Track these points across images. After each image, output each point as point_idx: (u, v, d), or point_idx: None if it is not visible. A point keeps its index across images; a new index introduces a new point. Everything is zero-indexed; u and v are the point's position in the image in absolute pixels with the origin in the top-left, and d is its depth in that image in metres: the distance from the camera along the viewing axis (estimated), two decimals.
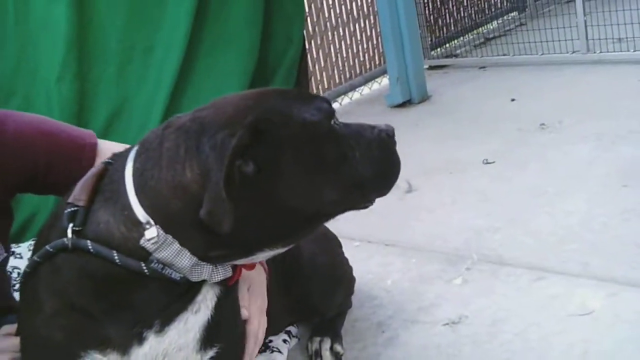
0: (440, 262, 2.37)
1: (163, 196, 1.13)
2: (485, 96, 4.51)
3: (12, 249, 2.36)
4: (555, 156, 3.17)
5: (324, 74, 5.08)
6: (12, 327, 1.58)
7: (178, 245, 1.13)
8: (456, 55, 5.83)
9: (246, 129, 1.09)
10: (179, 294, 1.19)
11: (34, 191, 1.62)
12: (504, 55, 5.35)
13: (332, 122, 1.23)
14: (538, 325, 1.92)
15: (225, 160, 1.05)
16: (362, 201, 1.30)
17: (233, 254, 1.19)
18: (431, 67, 5.66)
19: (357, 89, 5.27)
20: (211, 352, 1.27)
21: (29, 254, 2.35)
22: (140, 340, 1.18)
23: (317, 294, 1.89)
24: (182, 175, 1.11)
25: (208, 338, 1.25)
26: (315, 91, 4.94)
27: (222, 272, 1.20)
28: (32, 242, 2.48)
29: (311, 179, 1.17)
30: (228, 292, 1.29)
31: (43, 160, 1.52)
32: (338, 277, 1.97)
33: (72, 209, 1.18)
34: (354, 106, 5.01)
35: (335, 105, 5.04)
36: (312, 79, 4.89)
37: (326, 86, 5.07)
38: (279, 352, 1.92)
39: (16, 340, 1.37)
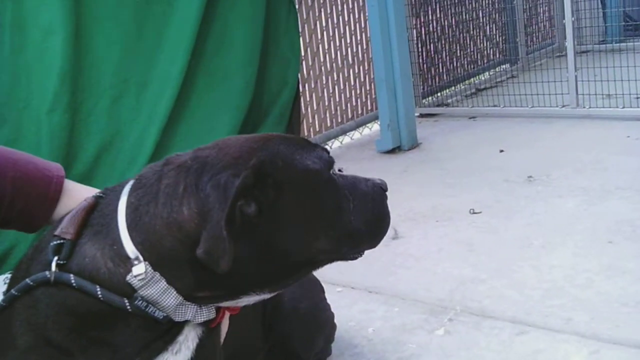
0: (423, 312, 2.35)
1: (157, 232, 1.12)
2: (474, 146, 4.55)
3: None
4: (542, 209, 3.18)
5: (316, 116, 5.12)
6: None
7: (165, 283, 1.11)
8: (447, 105, 5.90)
9: (251, 170, 1.10)
10: (161, 333, 1.17)
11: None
12: (495, 106, 5.43)
13: (331, 171, 1.25)
14: None
15: (228, 200, 1.06)
16: (353, 252, 1.31)
17: (220, 295, 1.18)
18: (422, 115, 5.71)
19: (348, 133, 5.30)
20: None
21: (4, 287, 2.33)
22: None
23: (297, 339, 1.86)
24: (178, 213, 1.11)
25: None
26: (306, 133, 4.97)
27: (206, 314, 1.18)
28: (8, 276, 2.44)
29: (308, 226, 1.19)
30: (210, 333, 1.26)
31: (9, 188, 1.48)
32: (320, 323, 1.94)
33: (58, 241, 1.17)
34: (344, 150, 5.04)
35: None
36: (304, 121, 4.92)
37: (317, 129, 5.10)
38: None
39: None
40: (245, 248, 1.12)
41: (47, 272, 1.14)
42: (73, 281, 1.12)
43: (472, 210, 3.29)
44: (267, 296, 1.24)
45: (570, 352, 1.98)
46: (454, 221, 3.21)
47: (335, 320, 2.18)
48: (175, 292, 1.12)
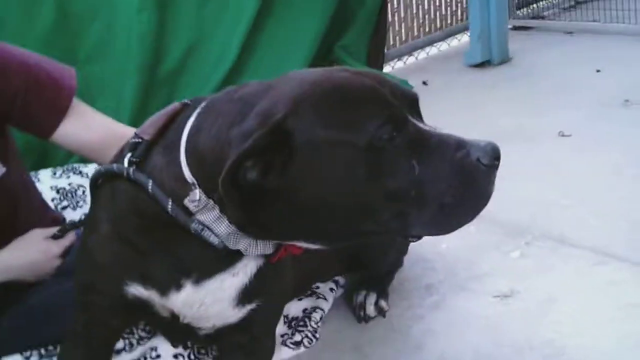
0: (500, 233, 2.31)
1: (206, 161, 1.10)
2: (568, 63, 4.30)
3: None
4: (638, 136, 3.00)
5: (402, 25, 4.94)
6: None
7: (217, 211, 1.10)
8: (543, 17, 5.55)
9: (268, 130, 1.01)
10: (221, 256, 1.16)
11: (13, 124, 1.65)
12: (595, 21, 5.04)
13: (384, 138, 1.03)
14: (593, 310, 1.86)
15: (235, 157, 1.00)
16: (403, 234, 1.13)
17: (268, 235, 1.14)
18: (515, 28, 5.41)
19: (435, 44, 5.11)
20: (249, 307, 1.26)
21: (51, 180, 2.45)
22: (178, 286, 1.19)
23: (370, 250, 1.88)
24: (222, 146, 1.07)
25: (245, 297, 1.24)
26: (392, 42, 4.82)
27: (262, 248, 1.15)
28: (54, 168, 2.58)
29: (331, 201, 1.04)
30: (271, 265, 1.24)
31: (22, 91, 1.54)
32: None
33: (136, 140, 1.19)
34: (430, 61, 4.87)
35: (410, 60, 4.93)
36: (390, 29, 4.76)
37: (404, 38, 4.93)
38: (324, 299, 1.94)
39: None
40: (267, 202, 1.05)
41: (127, 167, 1.16)
42: (150, 187, 1.13)
43: (561, 133, 3.15)
44: (326, 247, 1.16)
45: None
46: (540, 143, 3.09)
47: None
48: (227, 222, 1.10)
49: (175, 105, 1.24)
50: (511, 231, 2.32)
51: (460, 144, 1.05)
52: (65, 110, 1.59)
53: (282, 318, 1.88)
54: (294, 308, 1.91)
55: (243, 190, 1.03)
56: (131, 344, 1.75)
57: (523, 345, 1.75)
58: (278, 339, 1.80)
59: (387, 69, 4.70)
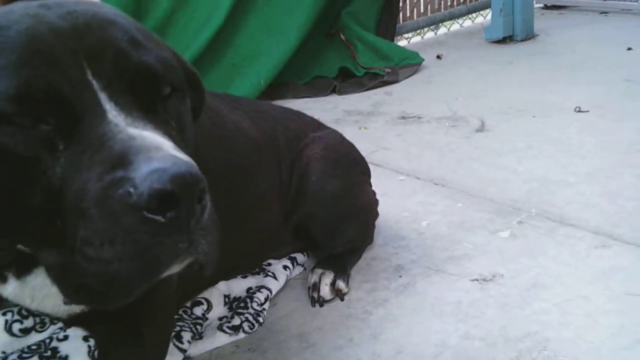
0: (490, 211, 2.03)
1: None
2: (598, 42, 3.98)
3: None
4: None
5: None
6: None
7: None
8: None
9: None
10: None
11: None
12: (634, 1, 4.71)
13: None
14: (586, 298, 1.57)
15: None
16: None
17: None
18: (547, 7, 5.13)
19: (457, 20, 4.79)
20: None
21: None
22: (3, 278, 0.97)
23: (321, 223, 1.63)
24: None
25: None
26: (408, 15, 4.54)
27: None
28: None
29: None
30: None
31: None
32: (351, 208, 1.69)
33: None
34: (449, 37, 4.57)
35: (429, 35, 4.63)
36: (407, 1, 4.48)
37: (422, 11, 4.63)
38: (274, 277, 1.69)
39: None
40: None
41: None
42: None
43: (577, 108, 2.84)
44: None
45: None
46: (553, 118, 2.78)
47: (387, 210, 1.93)
48: None
49: None
50: (502, 209, 2.03)
51: (123, 158, 0.68)
52: None
53: (222, 298, 1.65)
54: (236, 287, 1.67)
55: None
56: (43, 323, 1.53)
57: (496, 337, 1.47)
58: (214, 323, 1.57)
59: (402, 42, 4.42)
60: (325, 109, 3.19)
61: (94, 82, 0.74)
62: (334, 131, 1.78)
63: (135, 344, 1.07)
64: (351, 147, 1.76)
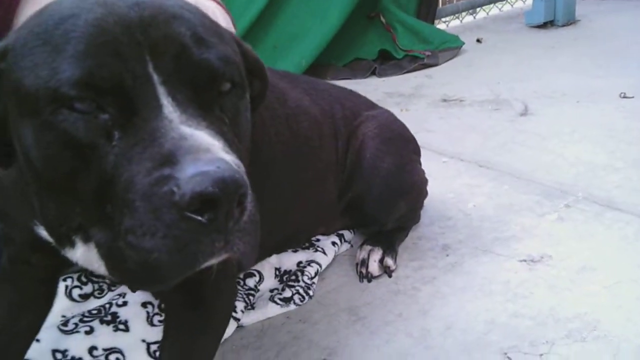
0: (537, 194, 2.03)
1: None
2: None
3: None
4: None
5: None
6: None
7: None
8: None
9: None
10: None
11: None
12: None
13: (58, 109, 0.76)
14: (636, 282, 1.56)
15: None
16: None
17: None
18: None
19: (497, 3, 4.75)
20: None
21: None
22: (72, 243, 0.98)
23: (374, 199, 1.65)
24: None
25: None
26: (448, 0, 4.51)
27: None
28: None
29: (24, 148, 0.83)
30: None
31: None
32: (403, 186, 1.70)
33: None
34: (488, 22, 4.53)
35: (468, 19, 4.60)
36: None
37: None
38: (323, 252, 1.72)
39: None
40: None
41: None
42: None
43: (622, 94, 2.81)
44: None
45: None
46: (598, 103, 2.75)
47: (432, 191, 1.94)
48: None
49: None
50: (550, 192, 2.03)
51: (172, 157, 0.71)
52: (16, 5, 1.38)
53: (273, 271, 1.69)
54: (287, 260, 1.70)
55: None
56: (101, 290, 1.59)
57: (546, 316, 1.48)
58: (266, 294, 1.61)
59: (441, 25, 4.40)
60: (366, 91, 3.15)
61: (154, 76, 0.76)
62: (387, 110, 1.80)
63: (201, 308, 1.10)
64: (403, 126, 1.78)
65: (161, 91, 0.76)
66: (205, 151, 0.71)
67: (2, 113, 0.83)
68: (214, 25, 0.88)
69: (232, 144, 0.79)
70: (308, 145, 1.50)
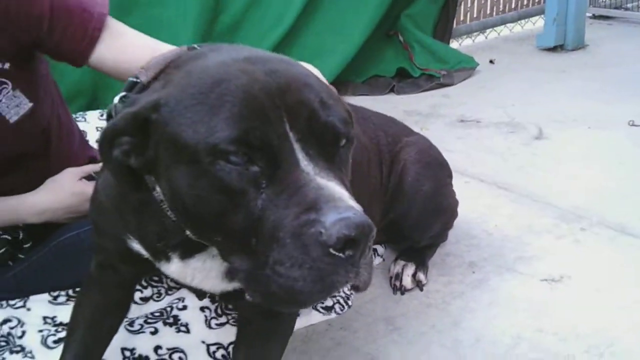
0: (554, 217, 2.18)
1: None
2: None
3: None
4: None
5: (475, 1, 4.75)
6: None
7: None
8: (626, 8, 5.28)
9: (131, 114, 0.96)
10: None
11: (44, 51, 1.58)
12: None
13: (223, 160, 0.89)
14: None
15: (102, 132, 0.97)
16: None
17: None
18: (595, 16, 5.20)
19: (508, 25, 4.90)
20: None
21: (98, 122, 2.45)
22: (168, 258, 1.13)
23: (414, 220, 1.78)
24: None
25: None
26: (462, 19, 4.65)
27: None
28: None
29: (177, 199, 0.97)
30: None
31: (47, 13, 1.47)
32: (440, 207, 1.85)
33: (135, 79, 1.12)
34: (500, 42, 4.68)
35: (480, 38, 4.75)
36: (462, 5, 4.59)
37: (475, 15, 4.75)
38: None
39: None
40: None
41: (116, 102, 1.10)
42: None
43: (631, 122, 2.96)
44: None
45: None
46: (608, 130, 2.91)
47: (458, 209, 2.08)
48: None
49: (182, 48, 1.17)
50: (566, 215, 2.18)
51: (316, 204, 0.85)
52: (96, 36, 1.52)
53: None
54: None
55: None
56: (159, 293, 1.72)
57: (568, 332, 1.63)
58: None
59: (454, 44, 4.54)
60: (386, 109, 3.28)
61: (291, 135, 0.90)
62: (423, 136, 1.95)
63: (272, 319, 1.25)
64: (438, 151, 1.92)
65: (297, 148, 0.90)
66: (340, 200, 0.86)
67: (152, 157, 0.96)
68: (329, 89, 1.02)
69: (349, 190, 0.94)
70: (358, 171, 1.64)
